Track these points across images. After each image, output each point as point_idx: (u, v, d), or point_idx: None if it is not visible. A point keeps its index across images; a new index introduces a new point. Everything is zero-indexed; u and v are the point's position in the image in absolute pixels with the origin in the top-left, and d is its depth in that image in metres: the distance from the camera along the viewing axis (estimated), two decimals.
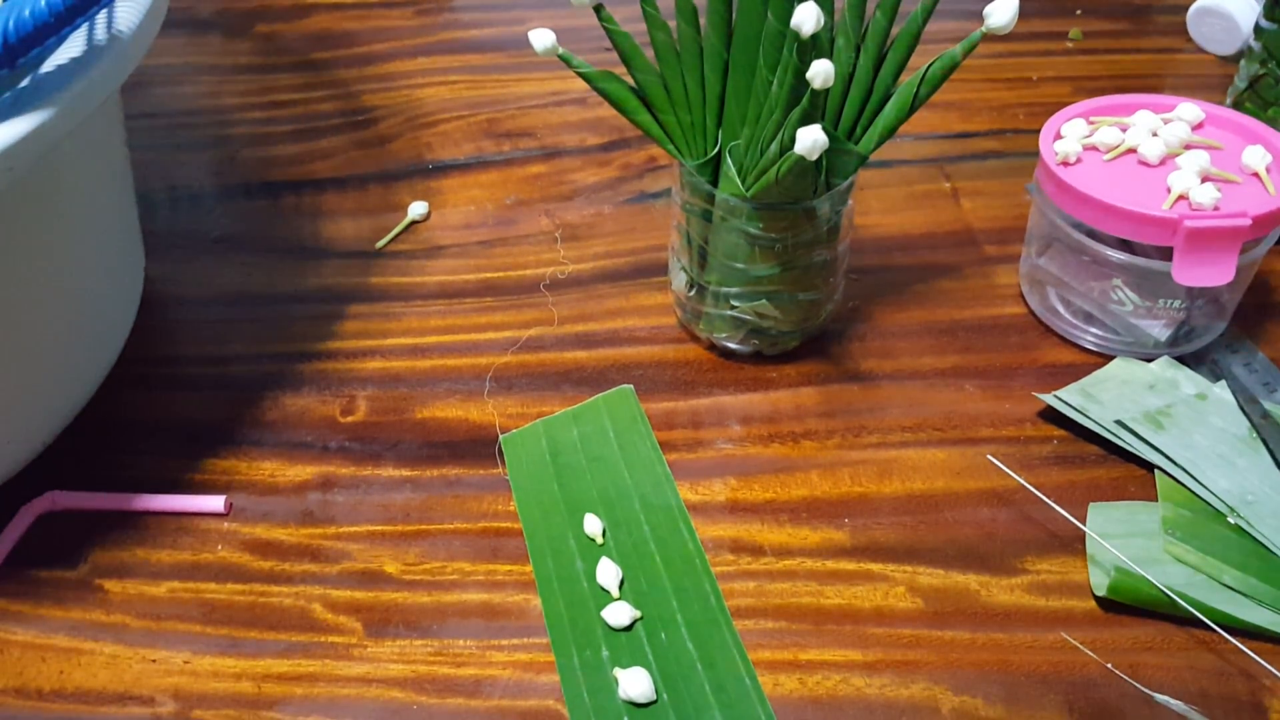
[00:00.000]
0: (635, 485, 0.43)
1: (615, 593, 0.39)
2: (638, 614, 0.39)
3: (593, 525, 0.41)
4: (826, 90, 0.37)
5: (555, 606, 0.39)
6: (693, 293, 0.47)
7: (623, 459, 0.44)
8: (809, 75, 0.35)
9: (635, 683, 0.36)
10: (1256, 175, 0.44)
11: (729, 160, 0.42)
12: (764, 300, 0.45)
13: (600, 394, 0.47)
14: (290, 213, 0.59)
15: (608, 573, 0.40)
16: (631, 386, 0.47)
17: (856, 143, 0.43)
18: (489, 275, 0.54)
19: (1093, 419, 0.44)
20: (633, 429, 0.45)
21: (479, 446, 0.45)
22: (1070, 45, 0.71)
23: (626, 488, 0.43)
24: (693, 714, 0.36)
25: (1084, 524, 0.40)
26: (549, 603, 0.39)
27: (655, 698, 0.36)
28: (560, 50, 0.41)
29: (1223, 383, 0.45)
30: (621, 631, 0.38)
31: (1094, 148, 0.47)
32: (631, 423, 0.45)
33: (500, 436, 0.45)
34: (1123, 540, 0.39)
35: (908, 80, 0.41)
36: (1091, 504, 0.41)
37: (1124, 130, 0.47)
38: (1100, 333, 0.48)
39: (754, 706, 0.36)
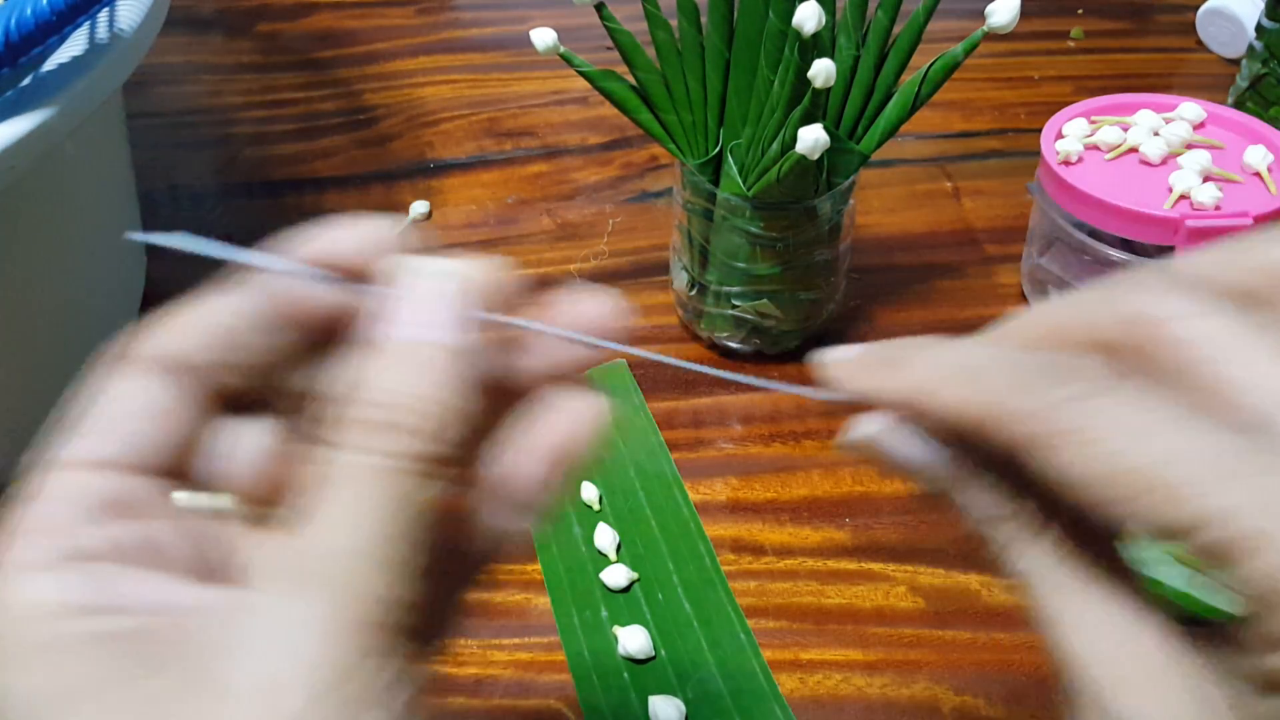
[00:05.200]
0: (630, 454, 0.44)
1: (613, 556, 0.40)
2: (635, 575, 0.40)
3: (589, 492, 0.42)
4: (828, 89, 0.37)
5: (555, 570, 0.40)
6: (694, 292, 0.47)
7: (617, 429, 0.45)
8: (810, 74, 0.35)
9: (634, 639, 0.37)
10: (1258, 175, 0.44)
11: (730, 159, 0.42)
12: (765, 300, 0.45)
13: (594, 368, 0.47)
14: (292, 212, 0.59)
15: (605, 537, 0.41)
16: (625, 361, 0.47)
17: (858, 142, 0.43)
18: None
19: None
20: (627, 401, 0.46)
21: None
22: (1072, 44, 0.71)
23: (621, 456, 0.44)
24: (689, 668, 0.37)
25: None
26: (549, 566, 0.40)
27: (653, 653, 0.37)
28: (562, 49, 0.41)
29: None
30: (619, 593, 0.39)
31: (1095, 147, 0.47)
32: (626, 395, 0.46)
33: None
34: None
35: (909, 79, 0.41)
36: None
37: (1125, 130, 0.47)
38: None
39: (749, 659, 0.37)
